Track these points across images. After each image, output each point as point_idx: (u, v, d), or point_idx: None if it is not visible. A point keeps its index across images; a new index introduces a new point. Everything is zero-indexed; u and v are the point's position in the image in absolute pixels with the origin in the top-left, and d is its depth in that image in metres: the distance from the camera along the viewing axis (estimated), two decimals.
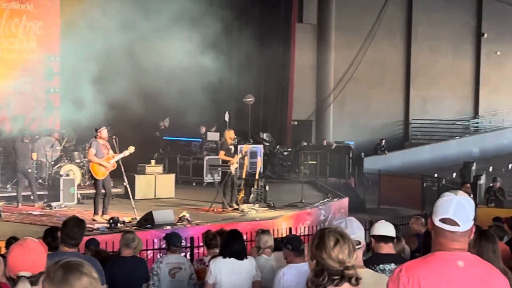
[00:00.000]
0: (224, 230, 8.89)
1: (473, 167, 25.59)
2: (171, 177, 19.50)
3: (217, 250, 8.05)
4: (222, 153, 16.92)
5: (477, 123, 35.85)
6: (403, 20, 33.83)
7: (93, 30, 18.84)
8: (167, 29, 19.51)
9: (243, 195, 17.45)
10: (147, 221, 13.63)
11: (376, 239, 5.63)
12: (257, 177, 18.19)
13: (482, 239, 5.35)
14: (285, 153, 26.23)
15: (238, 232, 7.34)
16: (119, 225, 13.70)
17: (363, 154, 28.95)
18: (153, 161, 19.56)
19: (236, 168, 17.01)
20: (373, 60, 31.92)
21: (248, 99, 24.02)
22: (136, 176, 18.21)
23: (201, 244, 10.37)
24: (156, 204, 16.92)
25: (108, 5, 18.75)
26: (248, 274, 7.00)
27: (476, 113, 36.00)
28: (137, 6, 19.29)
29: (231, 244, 7.05)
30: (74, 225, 5.78)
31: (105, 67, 18.83)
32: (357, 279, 3.35)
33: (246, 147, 18.18)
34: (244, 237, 7.62)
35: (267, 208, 17.19)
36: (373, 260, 5.47)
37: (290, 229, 14.13)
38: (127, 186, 15.52)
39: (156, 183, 18.69)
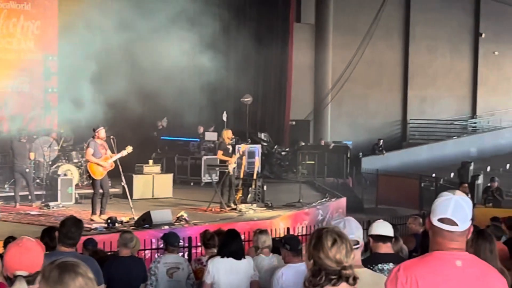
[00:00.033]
0: (222, 230, 8.88)
1: (471, 167, 25.59)
2: (169, 177, 19.48)
3: (215, 250, 8.06)
4: (220, 153, 16.91)
5: (475, 123, 35.86)
6: (401, 20, 33.83)
7: (91, 30, 18.83)
8: (165, 29, 19.51)
9: (241, 195, 17.44)
10: (145, 221, 13.63)
11: (374, 238, 5.63)
12: (255, 177, 18.19)
13: (479, 239, 5.35)
14: (283, 153, 26.22)
15: (236, 231, 7.34)
16: (117, 225, 13.70)
17: (361, 154, 28.96)
18: (151, 161, 19.55)
19: (234, 168, 17.00)
20: (371, 60, 31.93)
21: (246, 99, 24.01)
22: (134, 176, 18.19)
23: (199, 244, 10.37)
24: (154, 204, 16.91)
25: (106, 4, 18.73)
26: (246, 274, 6.99)
27: (474, 113, 36.01)
28: (135, 5, 19.28)
29: (229, 243, 7.05)
30: (72, 225, 5.77)
31: (103, 67, 18.83)
32: (355, 279, 3.35)
33: (244, 147, 18.17)
34: (242, 237, 7.61)
35: (265, 208, 17.18)
36: (371, 259, 5.47)
37: (288, 229, 14.13)
38: (125, 186, 15.50)
39: (154, 183, 18.68)
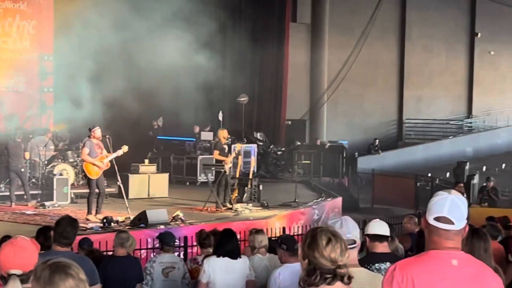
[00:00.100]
0: (217, 230, 8.88)
1: (467, 167, 25.63)
2: (165, 176, 19.47)
3: (211, 250, 8.05)
4: (216, 152, 16.90)
5: (470, 122, 35.90)
6: (397, 20, 33.86)
7: (86, 29, 18.81)
8: (161, 29, 19.51)
9: (236, 195, 17.45)
10: (140, 221, 13.61)
11: (370, 238, 5.62)
12: (250, 176, 18.19)
13: (474, 238, 5.34)
14: (279, 153, 26.23)
15: (232, 231, 7.33)
16: (112, 224, 13.68)
17: (356, 153, 28.99)
18: (146, 161, 19.52)
19: (230, 168, 17.00)
20: (367, 59, 31.95)
21: (242, 99, 24.02)
22: (130, 175, 18.17)
23: (194, 243, 10.36)
24: (150, 203, 16.90)
25: (102, 4, 18.71)
26: (241, 273, 6.99)
27: (469, 113, 36.05)
28: (131, 5, 19.27)
29: (225, 243, 7.04)
30: (67, 224, 5.76)
31: (99, 66, 18.81)
32: (349, 278, 3.35)
33: (239, 147, 18.17)
34: (238, 236, 7.60)
35: (260, 208, 17.19)
36: (368, 259, 5.46)
37: (284, 228, 14.12)
38: (121, 185, 15.50)
39: (149, 182, 18.66)
